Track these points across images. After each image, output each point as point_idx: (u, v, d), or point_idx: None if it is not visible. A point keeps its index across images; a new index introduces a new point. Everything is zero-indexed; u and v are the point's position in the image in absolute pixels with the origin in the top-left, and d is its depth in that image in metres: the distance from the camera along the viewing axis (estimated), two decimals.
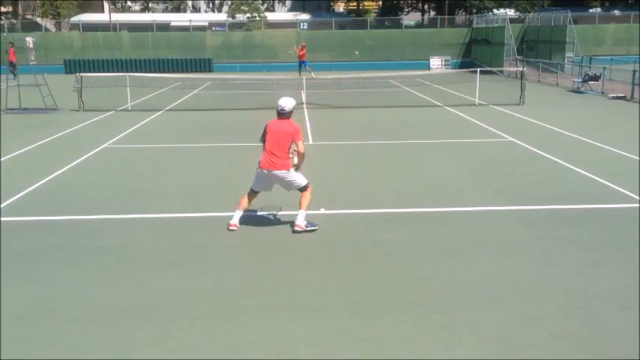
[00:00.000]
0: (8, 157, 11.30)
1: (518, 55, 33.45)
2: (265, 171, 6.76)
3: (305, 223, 6.83)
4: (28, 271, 5.81)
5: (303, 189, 6.86)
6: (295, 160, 6.86)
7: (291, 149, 6.84)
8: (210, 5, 68.24)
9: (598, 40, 38.92)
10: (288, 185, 6.92)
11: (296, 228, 6.83)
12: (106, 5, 54.87)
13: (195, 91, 24.90)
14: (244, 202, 6.97)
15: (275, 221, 7.43)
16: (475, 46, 38.01)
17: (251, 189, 6.99)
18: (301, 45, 30.62)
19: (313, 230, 6.85)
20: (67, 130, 14.57)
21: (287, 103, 6.87)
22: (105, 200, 8.34)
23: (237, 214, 6.95)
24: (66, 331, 4.61)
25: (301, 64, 30.00)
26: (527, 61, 30.64)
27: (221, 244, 6.61)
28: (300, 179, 6.86)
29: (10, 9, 50.19)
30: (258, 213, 7.54)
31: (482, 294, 5.24)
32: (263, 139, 6.88)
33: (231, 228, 6.87)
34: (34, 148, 12.36)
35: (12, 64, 27.47)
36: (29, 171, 10.10)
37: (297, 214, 6.88)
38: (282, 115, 6.87)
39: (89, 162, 10.96)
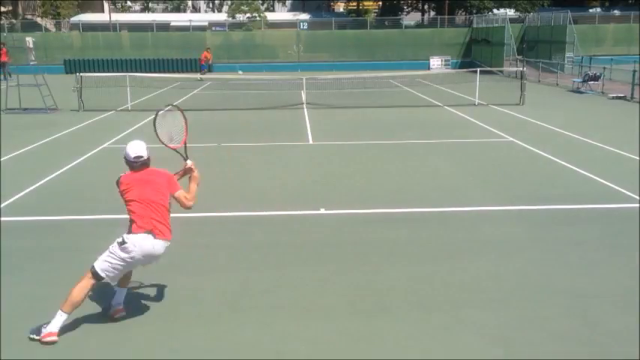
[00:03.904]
0: (8, 157, 11.29)
1: (518, 55, 33.46)
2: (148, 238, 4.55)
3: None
4: (28, 271, 5.81)
5: None
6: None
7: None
8: (210, 5, 68.22)
9: (598, 40, 38.89)
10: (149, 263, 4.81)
11: (119, 314, 4.84)
12: (106, 5, 54.80)
13: (195, 91, 24.90)
14: (80, 296, 4.48)
15: (275, 222, 7.43)
16: (475, 46, 38.00)
17: (99, 275, 4.48)
18: (206, 50, 32.79)
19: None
20: (67, 130, 14.56)
21: (142, 148, 4.82)
22: (105, 200, 8.32)
23: (62, 319, 4.48)
24: (66, 331, 4.61)
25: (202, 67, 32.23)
26: (527, 61, 30.64)
27: (221, 244, 6.61)
28: None
29: (10, 8, 50.16)
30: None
31: (483, 294, 5.25)
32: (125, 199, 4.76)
33: (48, 339, 4.40)
34: (34, 148, 12.35)
35: (3, 65, 27.48)
36: (29, 171, 10.09)
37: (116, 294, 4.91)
38: (138, 165, 4.81)
39: (89, 162, 10.96)
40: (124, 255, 4.48)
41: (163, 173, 4.89)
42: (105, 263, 4.48)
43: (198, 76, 29.96)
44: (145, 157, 4.83)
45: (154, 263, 4.82)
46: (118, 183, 4.82)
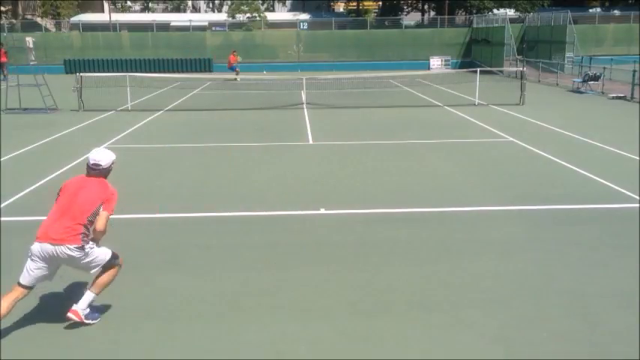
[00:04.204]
0: (8, 157, 11.30)
1: (518, 55, 33.47)
2: (47, 245, 4.44)
3: (87, 311, 4.66)
4: None
5: (107, 266, 4.70)
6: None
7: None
8: (210, 5, 68.24)
9: (598, 40, 38.91)
10: (83, 267, 4.64)
11: (71, 314, 4.60)
12: (106, 5, 54.83)
13: (195, 91, 24.90)
14: (7, 303, 4.43)
15: (275, 222, 7.43)
16: (475, 46, 38.02)
17: (20, 281, 4.51)
18: (232, 52, 31.27)
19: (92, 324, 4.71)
20: (67, 130, 14.56)
21: (104, 157, 4.77)
22: None
23: None
24: (66, 331, 4.61)
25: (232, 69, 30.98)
26: (527, 61, 30.65)
27: (221, 244, 6.61)
28: (101, 254, 4.65)
29: (10, 8, 50.14)
30: None
31: (483, 294, 5.25)
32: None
33: None
34: (34, 148, 12.35)
35: (2, 65, 27.46)
36: (29, 171, 10.10)
37: (82, 296, 4.68)
38: (95, 172, 4.73)
39: None
40: (31, 260, 4.47)
41: (111, 190, 4.70)
42: (24, 269, 4.49)
43: (238, 78, 29.42)
44: (104, 167, 4.72)
45: (81, 266, 4.61)
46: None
